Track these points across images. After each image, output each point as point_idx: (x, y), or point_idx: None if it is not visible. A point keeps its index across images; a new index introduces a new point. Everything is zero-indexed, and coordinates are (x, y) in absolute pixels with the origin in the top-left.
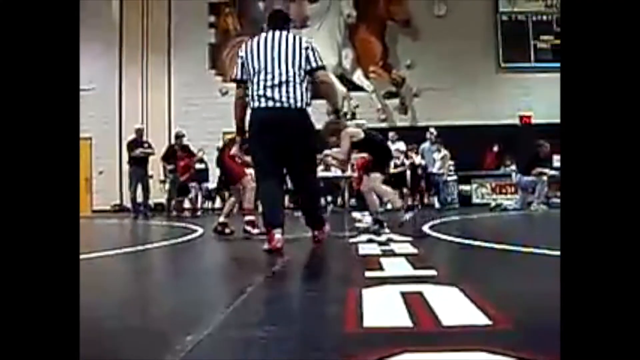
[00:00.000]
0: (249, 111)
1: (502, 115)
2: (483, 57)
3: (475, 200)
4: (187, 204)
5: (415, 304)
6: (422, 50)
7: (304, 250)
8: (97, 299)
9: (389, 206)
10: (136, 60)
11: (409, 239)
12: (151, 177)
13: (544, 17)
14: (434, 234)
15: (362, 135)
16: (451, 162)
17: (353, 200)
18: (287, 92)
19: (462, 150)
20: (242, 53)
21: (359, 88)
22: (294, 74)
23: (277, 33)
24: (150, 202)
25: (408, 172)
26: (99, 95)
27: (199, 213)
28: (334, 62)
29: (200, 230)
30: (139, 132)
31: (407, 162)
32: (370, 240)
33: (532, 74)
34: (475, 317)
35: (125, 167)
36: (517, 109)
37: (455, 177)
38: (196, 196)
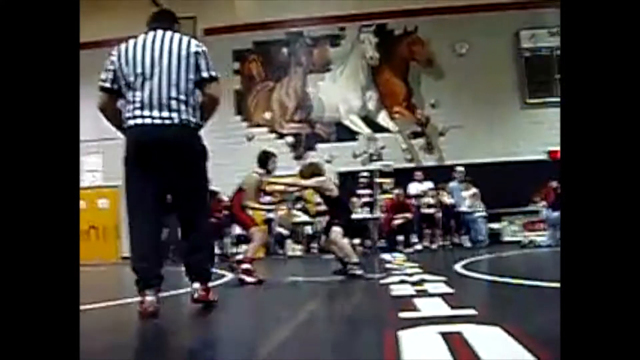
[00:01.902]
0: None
1: (529, 151)
2: (507, 93)
3: (505, 238)
4: (216, 250)
5: (456, 344)
6: (445, 89)
7: (334, 293)
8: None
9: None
10: None
11: (443, 278)
12: None
13: None
14: (468, 272)
15: (335, 193)
16: (478, 202)
17: (382, 242)
18: (171, 107)
19: (490, 187)
20: (114, 57)
21: (384, 129)
22: (182, 85)
23: (160, 33)
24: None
25: (439, 213)
26: None
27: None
28: (358, 104)
29: (229, 275)
30: None
31: (447, 201)
32: (402, 282)
33: (558, 108)
34: (523, 358)
35: None
36: (544, 144)
37: (484, 214)
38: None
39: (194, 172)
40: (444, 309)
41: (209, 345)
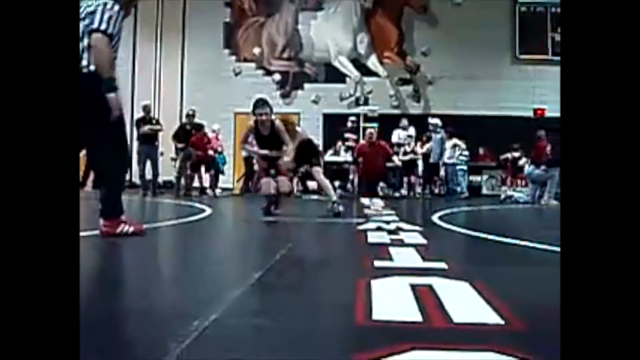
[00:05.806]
0: None
1: (515, 107)
2: (499, 48)
3: (485, 191)
4: (196, 183)
5: (425, 297)
6: (438, 38)
7: (312, 234)
8: (100, 279)
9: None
10: (150, 38)
11: (418, 228)
12: (162, 154)
13: None
14: (443, 224)
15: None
16: (466, 153)
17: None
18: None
19: (474, 140)
20: None
21: (373, 73)
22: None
23: None
24: (160, 179)
25: (420, 161)
26: None
27: (209, 192)
28: (348, 46)
29: (208, 210)
30: (146, 108)
31: (419, 151)
32: (379, 229)
33: (548, 66)
34: (487, 315)
35: (136, 143)
36: (531, 102)
37: (465, 167)
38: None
39: (92, 113)
40: (416, 261)
41: None
